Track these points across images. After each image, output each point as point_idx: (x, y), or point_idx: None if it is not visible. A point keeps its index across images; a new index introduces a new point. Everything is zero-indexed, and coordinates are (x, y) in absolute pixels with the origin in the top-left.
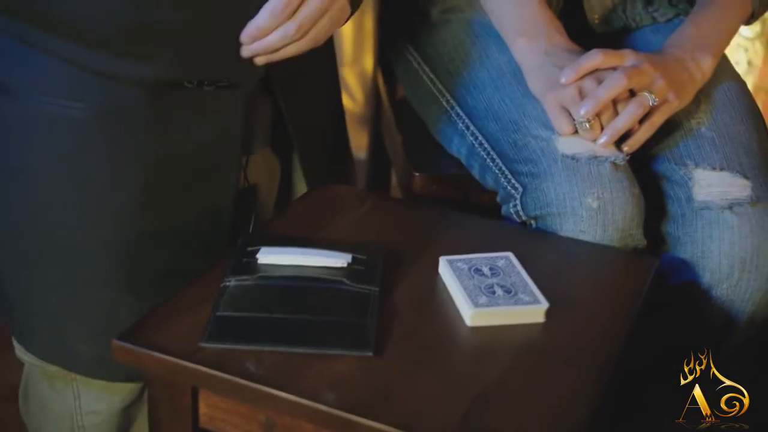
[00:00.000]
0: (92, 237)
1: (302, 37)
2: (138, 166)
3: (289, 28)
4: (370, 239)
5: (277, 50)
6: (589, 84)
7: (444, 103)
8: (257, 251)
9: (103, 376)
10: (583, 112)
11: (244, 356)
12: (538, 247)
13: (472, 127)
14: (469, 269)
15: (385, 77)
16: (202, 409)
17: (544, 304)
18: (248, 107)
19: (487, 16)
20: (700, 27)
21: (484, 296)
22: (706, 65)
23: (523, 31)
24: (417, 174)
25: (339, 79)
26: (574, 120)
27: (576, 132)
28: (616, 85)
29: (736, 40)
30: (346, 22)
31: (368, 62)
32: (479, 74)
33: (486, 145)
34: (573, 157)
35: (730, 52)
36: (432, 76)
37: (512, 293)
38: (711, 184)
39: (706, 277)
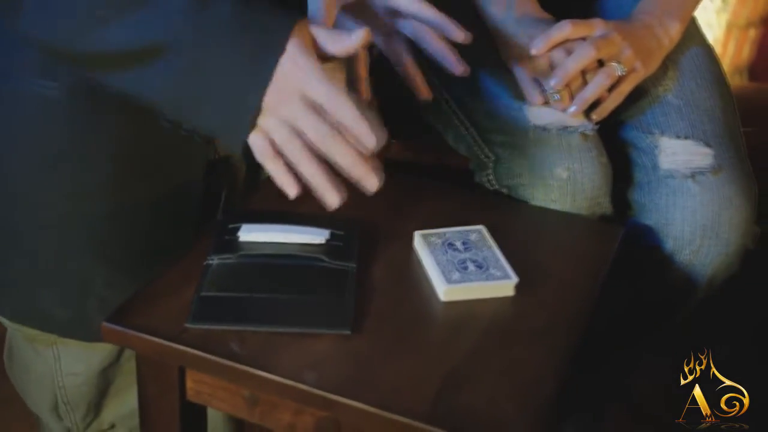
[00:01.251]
0: (64, 209)
1: None
2: (108, 143)
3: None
4: (347, 212)
5: None
6: (558, 55)
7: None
8: (238, 229)
9: (79, 337)
10: (553, 83)
11: (227, 336)
12: (510, 217)
13: (446, 95)
14: (443, 244)
15: None
16: (189, 384)
17: (514, 279)
18: None
19: None
20: None
21: (457, 272)
22: (674, 30)
23: (495, 0)
24: (393, 141)
25: None
26: (544, 90)
27: (547, 102)
28: (584, 56)
29: None
30: None
31: None
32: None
33: (460, 114)
34: (544, 128)
35: None
36: None
37: (484, 268)
38: (675, 153)
39: (669, 243)
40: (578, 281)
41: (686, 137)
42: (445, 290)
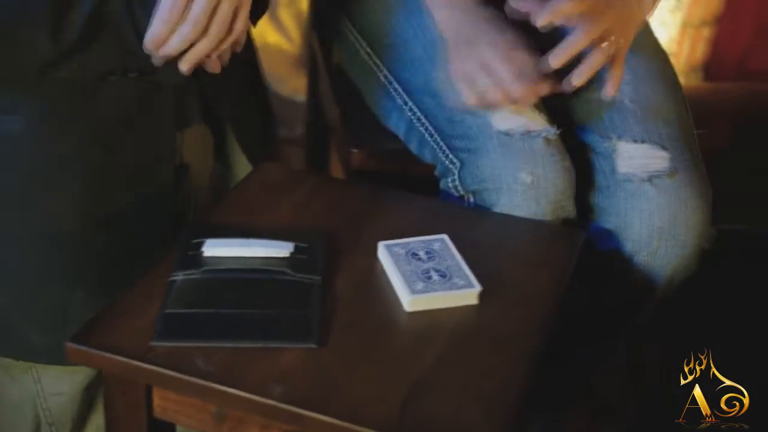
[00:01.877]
0: (37, 233)
1: (204, 33)
2: (76, 167)
3: (184, 29)
4: (312, 224)
5: (185, 51)
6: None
7: (381, 77)
8: (202, 243)
9: (59, 362)
10: (553, 61)
11: (193, 353)
12: (473, 225)
13: (409, 103)
14: (407, 254)
15: (322, 46)
16: (156, 401)
17: (477, 288)
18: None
19: None
20: None
21: (421, 282)
22: (647, 3)
23: (444, 2)
24: (355, 151)
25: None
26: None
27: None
28: (579, 42)
29: None
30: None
31: (304, 2)
32: (415, 48)
33: (424, 120)
34: (507, 133)
35: None
36: (368, 50)
37: (447, 277)
38: (632, 157)
39: (628, 246)
40: (541, 287)
41: (642, 141)
42: (409, 300)
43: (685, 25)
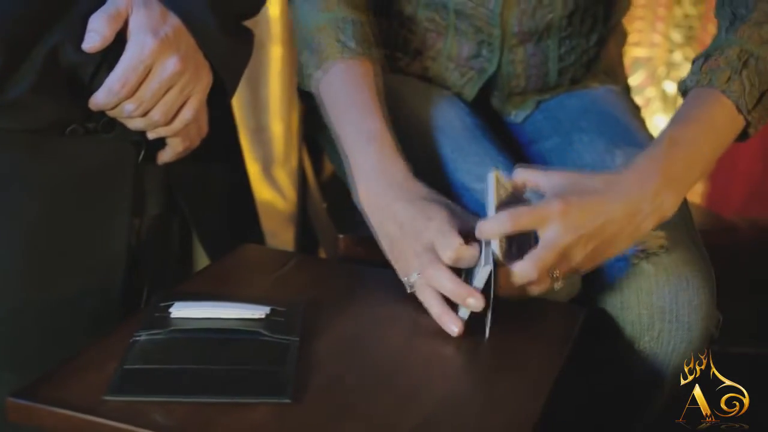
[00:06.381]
0: None
1: (145, 114)
2: (16, 231)
3: (127, 107)
4: (291, 295)
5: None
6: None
7: None
8: (170, 306)
9: None
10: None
11: (152, 408)
12: None
13: None
14: None
15: (309, 150)
16: None
17: None
18: (138, 168)
19: (399, 84)
20: (674, 157)
21: None
22: (669, 204)
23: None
24: (341, 236)
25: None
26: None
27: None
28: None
29: None
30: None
31: (295, 158)
32: (404, 146)
33: None
34: None
35: None
36: None
37: None
38: None
39: (628, 330)
40: (538, 364)
41: None
42: None
43: None
